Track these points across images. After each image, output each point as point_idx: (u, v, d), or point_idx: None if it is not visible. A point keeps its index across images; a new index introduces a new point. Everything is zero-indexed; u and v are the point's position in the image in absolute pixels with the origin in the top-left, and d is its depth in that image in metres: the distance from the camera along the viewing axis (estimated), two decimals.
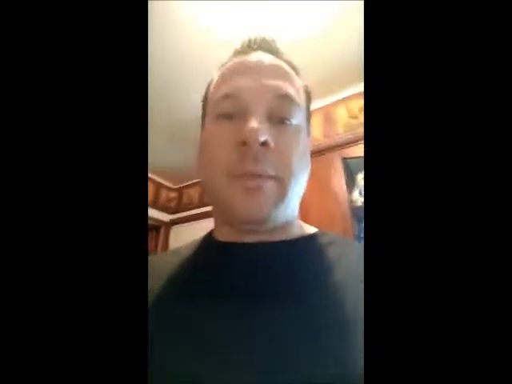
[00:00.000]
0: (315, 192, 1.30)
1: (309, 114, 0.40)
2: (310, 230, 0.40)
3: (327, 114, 1.56)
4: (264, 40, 0.39)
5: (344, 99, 1.56)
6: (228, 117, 0.33)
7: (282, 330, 0.26)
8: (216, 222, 0.40)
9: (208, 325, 0.29)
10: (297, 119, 0.34)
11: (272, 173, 0.31)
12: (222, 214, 0.37)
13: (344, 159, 1.37)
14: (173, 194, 2.74)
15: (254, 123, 0.30)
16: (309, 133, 0.40)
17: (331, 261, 0.34)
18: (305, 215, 1.10)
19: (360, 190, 1.33)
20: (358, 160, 1.34)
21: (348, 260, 0.34)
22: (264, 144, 0.30)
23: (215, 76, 0.39)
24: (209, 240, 0.40)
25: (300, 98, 0.36)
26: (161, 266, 0.38)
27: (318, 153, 1.39)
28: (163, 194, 2.65)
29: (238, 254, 0.35)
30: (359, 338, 0.24)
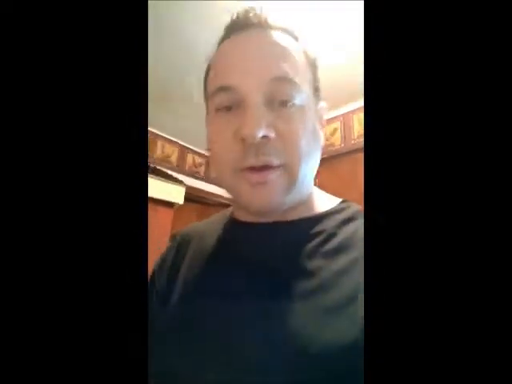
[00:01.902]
0: None
1: (316, 82, 0.37)
2: (332, 203, 0.39)
3: None
4: (251, 12, 0.35)
5: None
6: (227, 109, 0.33)
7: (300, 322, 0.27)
8: (233, 204, 0.43)
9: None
10: (300, 98, 0.32)
11: (277, 162, 0.31)
12: (236, 203, 0.39)
13: None
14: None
15: (250, 117, 0.29)
16: (319, 100, 0.38)
17: (348, 237, 0.33)
18: None
19: None
20: None
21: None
22: (264, 137, 0.30)
23: (211, 62, 0.38)
24: (230, 219, 0.42)
25: (301, 73, 0.33)
26: (188, 243, 0.42)
27: None
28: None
29: (255, 234, 0.36)
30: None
